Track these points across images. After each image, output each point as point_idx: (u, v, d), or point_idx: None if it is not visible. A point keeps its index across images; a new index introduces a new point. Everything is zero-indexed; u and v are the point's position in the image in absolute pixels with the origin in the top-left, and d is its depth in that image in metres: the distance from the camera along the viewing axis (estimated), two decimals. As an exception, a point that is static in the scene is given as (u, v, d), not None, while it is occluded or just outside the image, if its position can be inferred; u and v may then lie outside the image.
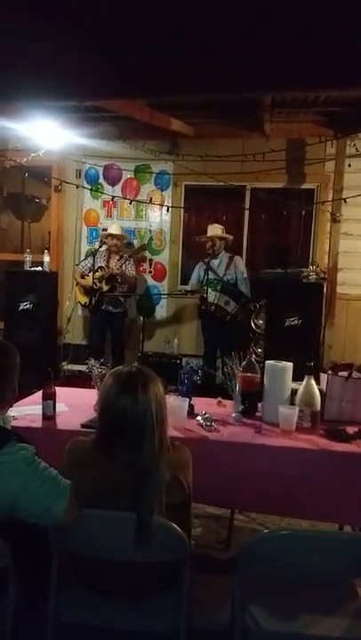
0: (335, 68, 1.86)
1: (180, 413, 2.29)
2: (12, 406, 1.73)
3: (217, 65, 1.82)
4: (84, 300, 5.27)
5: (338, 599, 1.67)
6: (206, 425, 2.27)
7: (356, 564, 1.54)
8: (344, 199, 4.87)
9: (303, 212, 5.54)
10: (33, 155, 5.05)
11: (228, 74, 1.84)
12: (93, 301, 5.14)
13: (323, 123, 5.00)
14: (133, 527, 1.46)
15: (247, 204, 5.61)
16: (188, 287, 5.29)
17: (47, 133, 4.80)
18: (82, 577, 1.63)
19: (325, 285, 4.94)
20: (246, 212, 5.63)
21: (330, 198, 5.15)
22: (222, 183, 5.21)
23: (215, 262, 5.02)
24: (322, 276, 4.92)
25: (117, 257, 5.17)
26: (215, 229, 5.03)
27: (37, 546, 1.54)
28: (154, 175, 5.72)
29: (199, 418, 2.31)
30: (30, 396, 2.56)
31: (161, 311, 5.81)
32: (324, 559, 1.53)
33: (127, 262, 5.14)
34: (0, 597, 1.49)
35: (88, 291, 5.16)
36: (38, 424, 2.25)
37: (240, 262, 5.10)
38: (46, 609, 1.56)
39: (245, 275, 5.03)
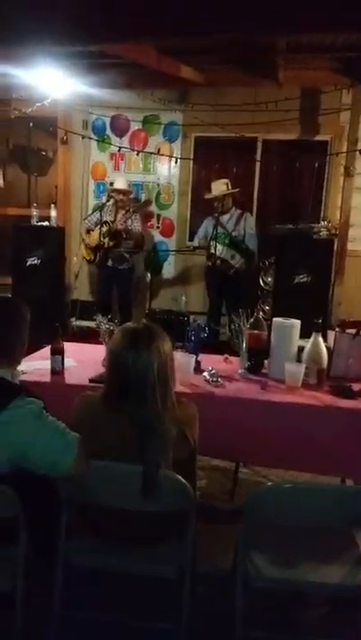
0: (355, 7, 1.75)
1: (187, 369, 2.31)
2: (20, 363, 1.75)
3: (227, 3, 1.72)
4: (89, 256, 5.23)
5: (337, 548, 1.73)
6: (213, 381, 2.29)
7: (356, 516, 1.58)
8: (359, 151, 4.71)
9: (316, 165, 5.36)
10: (38, 104, 4.89)
11: (239, 13, 1.74)
12: (98, 257, 5.10)
13: (339, 70, 4.76)
14: (140, 479, 1.50)
15: (258, 157, 5.44)
16: (194, 242, 5.22)
17: (52, 82, 4.62)
18: (90, 524, 1.70)
19: (336, 242, 4.86)
20: (258, 165, 5.47)
21: (344, 150, 4.98)
22: (233, 134, 5.04)
23: (225, 218, 4.92)
24: (333, 232, 4.82)
25: (123, 211, 5.08)
26: (219, 186, 4.88)
27: (47, 495, 1.60)
28: (162, 126, 5.55)
29: (206, 374, 2.33)
30: (39, 351, 2.58)
31: (169, 268, 5.75)
32: (326, 511, 1.58)
33: (132, 218, 5.06)
34: (11, 545, 1.56)
35: (93, 247, 5.12)
36: (47, 379, 2.28)
37: (250, 219, 5.02)
38: (56, 556, 1.63)
39: (253, 231, 4.95)
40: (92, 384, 2.18)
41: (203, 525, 1.71)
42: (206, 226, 5.03)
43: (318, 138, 5.30)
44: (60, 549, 1.63)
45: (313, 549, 1.70)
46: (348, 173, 4.95)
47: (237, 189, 5.01)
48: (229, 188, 4.91)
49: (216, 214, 4.86)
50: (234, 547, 1.68)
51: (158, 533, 1.67)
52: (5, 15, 1.87)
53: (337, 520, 1.63)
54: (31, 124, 5.60)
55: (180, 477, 1.53)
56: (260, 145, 5.40)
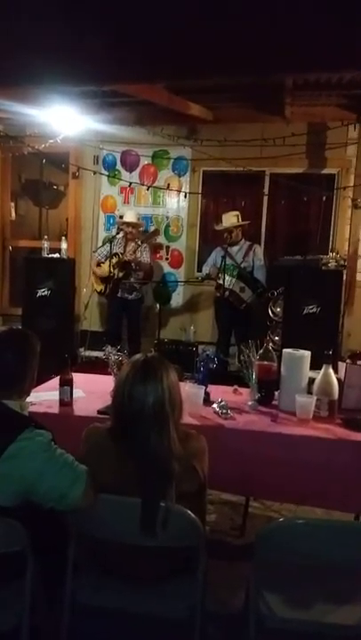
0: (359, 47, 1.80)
1: (196, 401, 2.29)
2: (29, 394, 1.75)
3: (237, 45, 1.78)
4: (99, 287, 5.29)
5: (353, 588, 1.66)
6: (222, 413, 2.26)
7: (372, 554, 1.53)
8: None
9: (324, 198, 5.43)
10: (50, 141, 5.04)
11: (248, 54, 1.80)
12: (108, 288, 5.15)
13: (345, 106, 4.88)
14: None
15: (266, 190, 5.53)
16: (202, 273, 5.25)
17: (64, 119, 4.78)
18: (98, 560, 1.66)
19: (345, 273, 4.87)
20: (265, 198, 5.54)
21: (351, 184, 5.05)
22: (241, 169, 5.14)
23: (234, 249, 4.97)
24: (342, 263, 4.84)
25: (133, 244, 5.16)
26: (230, 219, 4.95)
27: (55, 529, 1.57)
28: (172, 161, 5.67)
29: (215, 405, 2.31)
30: (48, 382, 2.58)
31: (177, 298, 5.79)
32: (340, 548, 1.52)
33: (141, 249, 5.13)
34: (18, 579, 1.52)
35: (103, 278, 5.17)
36: (55, 410, 2.27)
37: (259, 250, 5.06)
38: (63, 591, 1.58)
39: (262, 262, 4.98)
40: (100, 415, 2.17)
41: (212, 562, 1.66)
42: (215, 255, 5.07)
43: (325, 171, 5.38)
44: (67, 585, 1.58)
45: (329, 589, 1.64)
46: (356, 206, 5.00)
47: (248, 222, 5.08)
48: (240, 220, 4.97)
49: (225, 245, 4.92)
50: (245, 585, 1.63)
51: (167, 570, 1.63)
52: (23, 58, 1.95)
53: (351, 558, 1.57)
54: (44, 160, 5.75)
55: (189, 512, 1.50)
56: (267, 178, 5.49)
